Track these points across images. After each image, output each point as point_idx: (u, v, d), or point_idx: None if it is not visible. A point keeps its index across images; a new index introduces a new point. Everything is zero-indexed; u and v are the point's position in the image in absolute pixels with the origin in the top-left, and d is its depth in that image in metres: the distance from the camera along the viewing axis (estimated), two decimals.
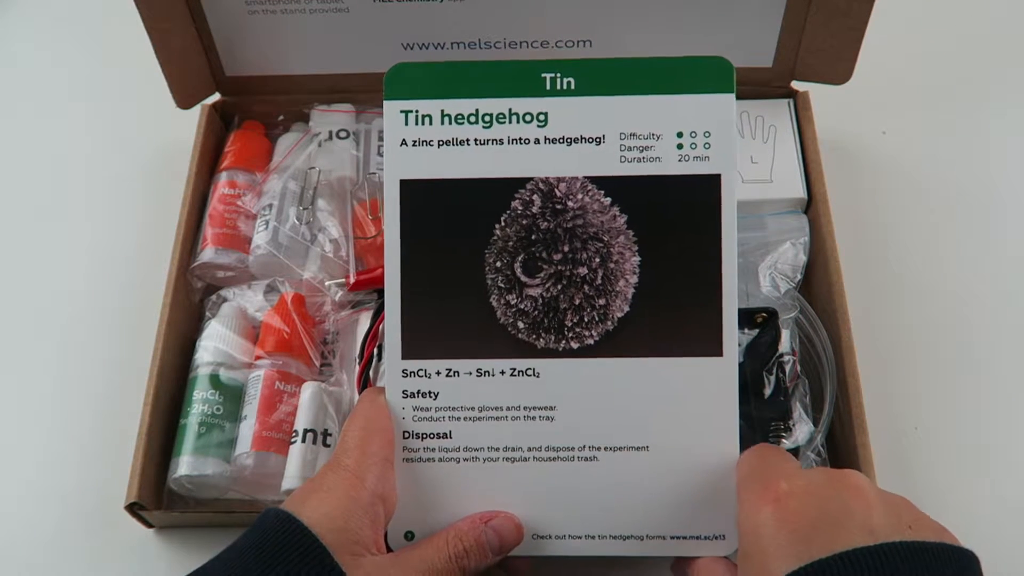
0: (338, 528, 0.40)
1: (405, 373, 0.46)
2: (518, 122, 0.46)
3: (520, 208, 0.46)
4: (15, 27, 0.79)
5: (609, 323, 0.46)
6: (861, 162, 0.68)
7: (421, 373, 0.46)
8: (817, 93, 0.63)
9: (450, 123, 0.46)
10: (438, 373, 0.46)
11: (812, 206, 0.59)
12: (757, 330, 0.54)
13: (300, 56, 0.62)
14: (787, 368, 0.54)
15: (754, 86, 0.62)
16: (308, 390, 0.54)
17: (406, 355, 0.46)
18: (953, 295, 0.62)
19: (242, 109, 0.66)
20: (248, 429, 0.53)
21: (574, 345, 0.46)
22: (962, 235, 0.65)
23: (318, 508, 0.40)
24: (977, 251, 0.64)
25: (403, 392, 0.46)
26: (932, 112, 0.70)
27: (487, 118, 0.46)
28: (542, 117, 0.46)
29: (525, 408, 0.46)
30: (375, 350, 0.54)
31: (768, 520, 0.38)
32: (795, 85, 0.63)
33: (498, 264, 0.46)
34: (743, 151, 0.60)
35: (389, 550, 0.44)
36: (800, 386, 0.54)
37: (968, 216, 0.65)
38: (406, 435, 0.46)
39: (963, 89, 0.71)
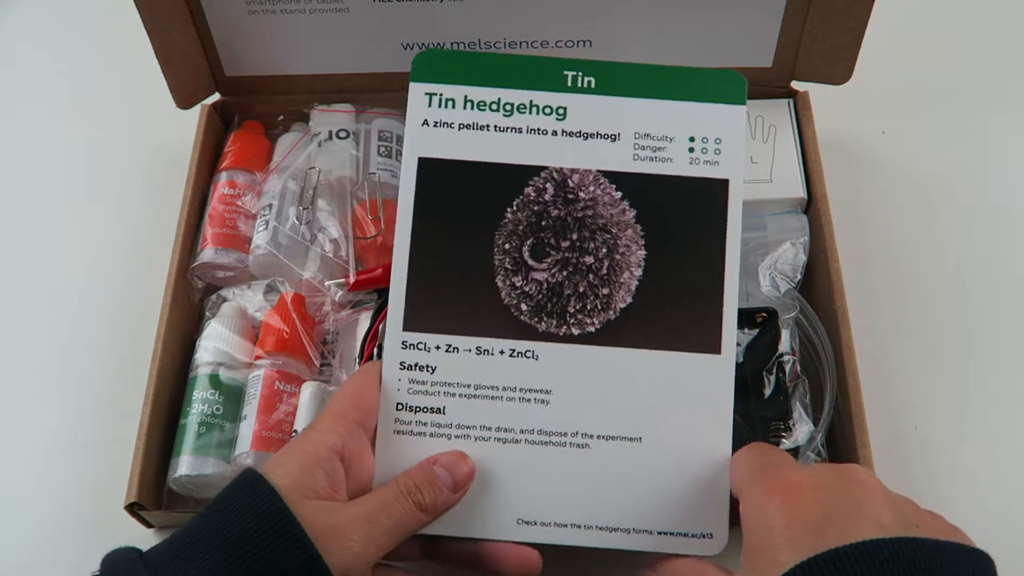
0: (292, 476, 0.42)
1: (405, 345, 0.46)
2: (538, 113, 0.48)
3: (533, 194, 0.47)
4: (15, 27, 0.79)
5: (611, 312, 0.46)
6: (861, 162, 0.68)
7: (420, 346, 0.46)
8: (817, 93, 0.63)
9: (472, 108, 0.48)
10: (437, 347, 0.46)
11: (812, 206, 0.59)
12: (757, 330, 0.54)
13: (300, 56, 0.62)
14: (787, 368, 0.54)
15: (754, 86, 0.61)
16: (308, 390, 0.54)
17: (407, 327, 0.46)
18: (953, 295, 0.62)
19: (242, 109, 0.66)
20: (248, 429, 0.53)
21: (575, 331, 0.46)
22: (962, 235, 0.65)
23: (278, 463, 0.43)
24: (977, 251, 0.64)
25: (400, 363, 0.46)
26: (932, 112, 0.70)
27: (508, 107, 0.48)
28: (561, 111, 0.47)
29: (521, 390, 0.46)
30: (375, 350, 0.54)
31: (779, 512, 0.38)
32: (795, 85, 0.63)
33: (507, 246, 0.47)
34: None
35: None
36: (800, 386, 0.54)
37: (968, 216, 0.65)
38: (399, 407, 0.46)
39: (963, 89, 0.71)
